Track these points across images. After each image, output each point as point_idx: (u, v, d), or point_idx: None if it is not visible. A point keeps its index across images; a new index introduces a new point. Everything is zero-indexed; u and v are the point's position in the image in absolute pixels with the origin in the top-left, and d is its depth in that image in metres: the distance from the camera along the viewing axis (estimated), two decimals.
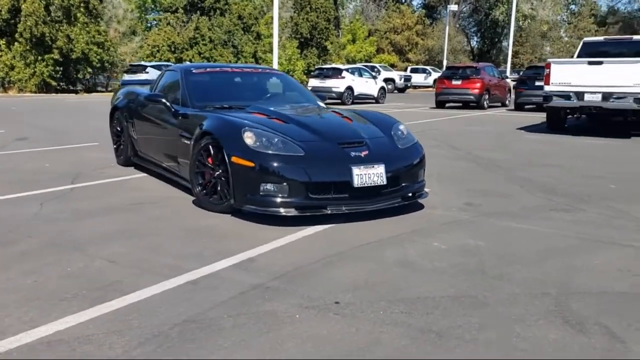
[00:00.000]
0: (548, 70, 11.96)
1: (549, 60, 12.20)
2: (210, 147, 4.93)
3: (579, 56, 13.05)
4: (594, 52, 12.80)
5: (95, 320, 2.83)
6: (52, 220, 4.65)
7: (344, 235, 4.37)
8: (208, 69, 6.41)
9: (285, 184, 4.50)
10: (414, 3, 63.38)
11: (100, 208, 5.10)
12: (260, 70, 7.01)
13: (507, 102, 22.35)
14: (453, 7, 47.58)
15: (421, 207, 5.25)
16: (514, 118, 16.85)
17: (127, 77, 25.26)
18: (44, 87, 29.13)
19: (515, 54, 58.09)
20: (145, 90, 7.00)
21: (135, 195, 5.63)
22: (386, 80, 32.96)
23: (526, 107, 19.93)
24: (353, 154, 4.75)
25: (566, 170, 7.53)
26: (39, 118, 14.89)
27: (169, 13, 37.35)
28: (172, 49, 34.52)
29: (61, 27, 28.82)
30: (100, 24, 31.45)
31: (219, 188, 4.91)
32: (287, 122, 5.15)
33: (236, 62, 35.56)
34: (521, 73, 21.14)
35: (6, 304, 3.01)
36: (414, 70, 43.38)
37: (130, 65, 29.71)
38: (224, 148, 4.71)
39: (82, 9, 29.45)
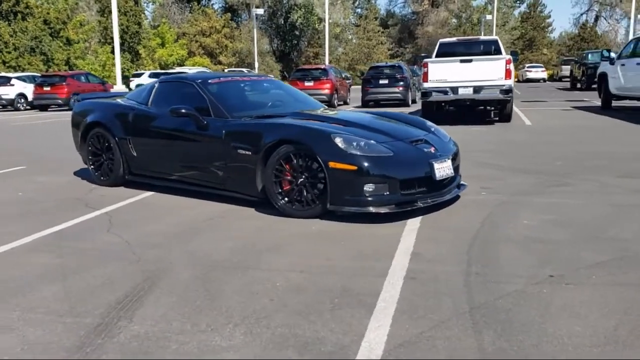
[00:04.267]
0: (425, 69, 13.38)
1: (426, 60, 13.63)
2: (292, 155, 4.97)
3: (437, 55, 14.68)
4: (449, 51, 14.60)
5: (398, 323, 2.93)
6: (158, 246, 4.32)
7: (448, 223, 4.80)
8: (222, 79, 6.28)
9: (386, 183, 4.78)
10: (215, 7, 63.33)
11: (182, 229, 4.82)
12: (262, 77, 6.99)
13: (348, 100, 23.99)
14: (259, 11, 48.80)
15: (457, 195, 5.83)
16: None
17: None
18: None
19: (315, 55, 61.66)
20: (132, 102, 6.52)
21: (190, 212, 5.37)
22: None
23: (370, 103, 21.63)
24: (426, 150, 5.19)
25: (502, 153, 8.72)
26: None
27: None
28: None
29: None
30: None
31: (305, 194, 4.98)
32: (346, 126, 5.38)
33: (47, 70, 32.46)
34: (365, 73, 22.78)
35: (289, 321, 2.94)
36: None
37: None
38: (318, 155, 4.81)
39: None
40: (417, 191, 5.00)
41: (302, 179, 4.98)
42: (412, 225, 4.77)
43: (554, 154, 8.53)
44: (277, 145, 5.05)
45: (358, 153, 4.79)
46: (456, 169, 5.57)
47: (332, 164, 4.76)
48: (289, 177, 5.04)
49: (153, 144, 6.14)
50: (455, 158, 5.61)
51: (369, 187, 4.75)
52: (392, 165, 4.86)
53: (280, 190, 5.09)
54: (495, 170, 7.27)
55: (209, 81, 6.07)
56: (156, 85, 6.51)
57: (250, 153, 5.24)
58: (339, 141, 4.84)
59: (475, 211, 5.19)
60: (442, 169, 5.13)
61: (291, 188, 5.04)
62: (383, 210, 4.81)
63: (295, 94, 6.80)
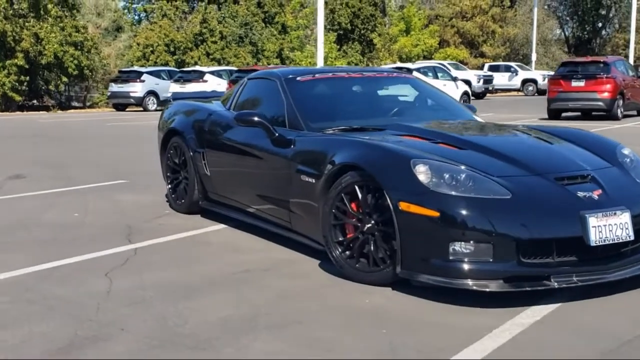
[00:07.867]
0: None
1: None
2: (357, 187, 4.54)
3: None
4: None
5: None
6: (138, 303, 4.24)
7: (590, 319, 3.93)
8: (317, 75, 6.15)
9: (489, 242, 4.06)
10: None
11: (195, 280, 4.71)
12: (385, 74, 6.69)
13: None
14: None
15: None
16: None
17: (174, 89, 24.61)
18: (4, 104, 29.46)
19: (626, 44, 57.62)
20: (217, 106, 6.68)
21: (231, 258, 5.25)
22: None
23: None
24: (581, 194, 4.31)
25: None
26: (20, 146, 14.83)
27: (164, 1, 37.82)
28: (171, 49, 34.86)
29: (27, 24, 29.26)
30: (77, 18, 31.89)
31: (371, 248, 4.49)
32: (462, 148, 4.77)
33: (256, 63, 35.75)
34: None
35: None
36: (493, 68, 43.17)
37: (120, 72, 29.99)
38: (385, 189, 4.31)
39: None
40: (554, 261, 4.15)
41: (370, 225, 4.49)
42: (530, 314, 3.97)
43: None
44: (340, 172, 4.66)
45: (447, 191, 4.16)
46: None
47: (403, 205, 4.20)
48: (353, 220, 4.60)
49: (226, 162, 6.17)
50: None
51: (459, 247, 4.09)
52: (507, 214, 4.13)
53: (341, 239, 4.66)
54: None
55: (297, 78, 5.91)
56: (245, 82, 6.55)
57: (312, 181, 4.94)
58: (421, 170, 4.27)
59: None
60: (607, 227, 4.18)
61: (355, 236, 4.58)
62: (492, 287, 4.08)
63: (434, 97, 6.31)
